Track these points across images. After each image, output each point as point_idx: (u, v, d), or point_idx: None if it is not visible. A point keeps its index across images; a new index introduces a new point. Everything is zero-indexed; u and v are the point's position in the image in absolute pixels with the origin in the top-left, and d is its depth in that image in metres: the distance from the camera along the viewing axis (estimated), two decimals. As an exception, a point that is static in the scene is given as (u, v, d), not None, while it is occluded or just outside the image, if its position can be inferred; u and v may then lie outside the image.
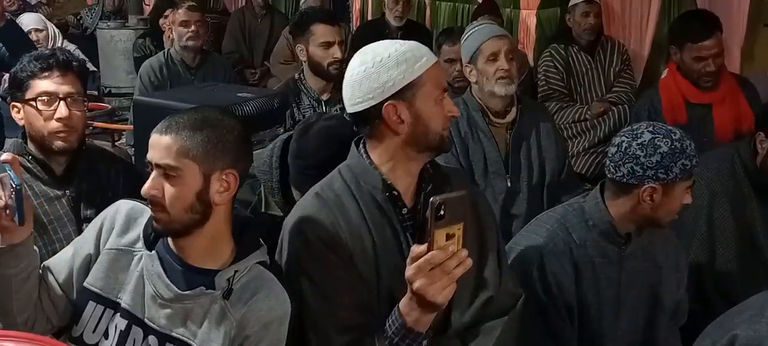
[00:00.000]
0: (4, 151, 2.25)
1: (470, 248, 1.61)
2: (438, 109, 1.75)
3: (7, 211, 1.59)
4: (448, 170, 1.93)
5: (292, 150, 2.11)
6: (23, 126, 2.20)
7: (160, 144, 1.62)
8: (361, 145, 1.82)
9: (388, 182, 1.77)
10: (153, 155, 1.63)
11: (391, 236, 1.77)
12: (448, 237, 1.55)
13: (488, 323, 1.87)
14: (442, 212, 1.51)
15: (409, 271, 1.58)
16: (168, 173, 1.61)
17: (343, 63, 3.09)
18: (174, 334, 1.66)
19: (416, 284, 1.58)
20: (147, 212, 1.71)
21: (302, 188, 1.99)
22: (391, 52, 1.74)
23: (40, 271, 1.73)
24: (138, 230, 1.71)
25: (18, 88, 2.16)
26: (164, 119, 1.67)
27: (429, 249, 1.55)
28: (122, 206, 1.75)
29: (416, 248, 1.57)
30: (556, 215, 2.22)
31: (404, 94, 1.73)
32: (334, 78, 3.18)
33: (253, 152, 1.81)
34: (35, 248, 1.73)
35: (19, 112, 2.18)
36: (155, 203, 1.62)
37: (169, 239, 1.69)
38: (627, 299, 2.18)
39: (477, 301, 1.86)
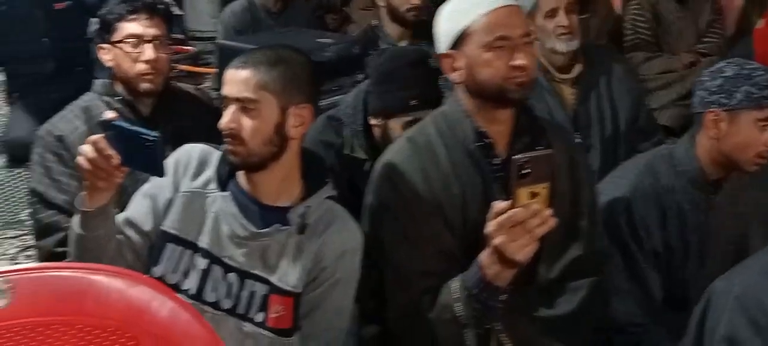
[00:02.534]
0: (94, 92, 2.34)
1: (562, 202, 1.61)
2: (491, 58, 1.73)
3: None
4: (546, 123, 1.91)
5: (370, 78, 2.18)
6: (111, 67, 2.26)
7: (238, 78, 1.67)
8: (455, 92, 1.84)
9: (481, 130, 1.77)
10: (230, 90, 1.67)
11: (480, 185, 1.78)
12: (533, 195, 1.54)
13: (574, 282, 1.85)
14: (525, 171, 1.50)
15: (490, 226, 1.59)
16: (246, 106, 1.66)
17: (421, 9, 3.06)
18: (253, 270, 1.71)
19: (496, 240, 1.58)
20: (216, 154, 1.76)
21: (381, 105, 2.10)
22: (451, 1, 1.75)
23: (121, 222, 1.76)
24: (210, 172, 1.76)
25: (106, 30, 2.22)
26: (240, 56, 1.71)
27: (512, 206, 1.54)
28: (193, 149, 1.79)
29: (498, 204, 1.57)
30: (644, 160, 2.17)
31: (459, 43, 1.74)
32: (411, 24, 3.15)
33: (334, 98, 1.86)
34: None
35: (107, 53, 2.25)
36: (233, 136, 1.66)
37: (242, 179, 1.73)
38: (713, 247, 2.12)
39: (565, 257, 1.85)
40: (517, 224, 1.56)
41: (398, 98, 2.19)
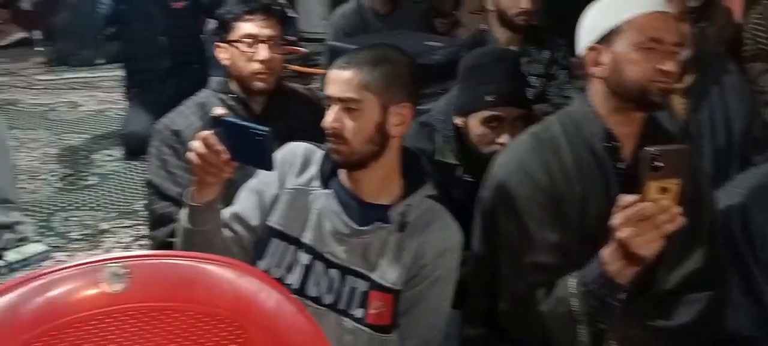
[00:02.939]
0: (209, 89, 2.43)
1: (685, 207, 1.56)
2: (639, 58, 1.69)
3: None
4: (673, 135, 1.87)
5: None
6: (226, 66, 2.34)
7: (341, 78, 1.70)
8: (585, 93, 1.82)
9: (610, 131, 1.75)
10: (333, 90, 1.71)
11: (602, 186, 1.76)
12: (663, 191, 1.51)
13: (692, 295, 1.80)
14: (657, 164, 1.47)
15: (616, 219, 1.55)
16: (349, 105, 1.69)
17: (531, 13, 3.03)
18: (354, 267, 1.74)
19: (621, 234, 1.55)
20: (320, 152, 1.80)
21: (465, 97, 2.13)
22: None
23: (228, 217, 1.80)
24: (313, 169, 1.80)
25: (223, 29, 2.31)
26: (342, 56, 1.75)
27: (640, 200, 1.51)
28: (298, 147, 1.83)
29: (626, 197, 1.54)
30: (761, 171, 2.09)
31: (607, 38, 1.72)
32: (521, 29, 3.12)
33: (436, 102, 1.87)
34: None
35: (223, 52, 2.33)
36: (336, 135, 1.70)
37: (344, 177, 1.76)
38: None
39: (684, 266, 1.80)
40: (645, 218, 1.52)
41: (475, 94, 2.19)
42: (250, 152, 1.56)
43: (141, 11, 4.20)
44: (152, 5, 4.21)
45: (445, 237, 1.77)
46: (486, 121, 2.16)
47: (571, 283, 1.70)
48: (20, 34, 6.87)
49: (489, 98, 2.15)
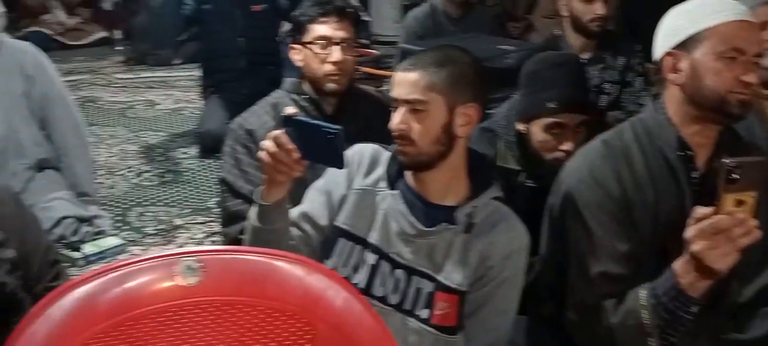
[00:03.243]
0: (283, 89, 2.47)
1: (762, 220, 1.52)
2: (721, 67, 1.65)
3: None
4: (751, 147, 1.83)
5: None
6: (300, 67, 2.37)
7: (407, 80, 1.71)
8: (659, 100, 1.78)
9: (684, 141, 1.72)
10: (399, 92, 1.72)
11: (674, 195, 1.72)
12: (739, 203, 1.47)
13: (767, 309, 1.76)
14: (734, 176, 1.44)
15: (690, 231, 1.52)
16: (416, 107, 1.70)
17: (606, 20, 2.98)
18: (419, 267, 1.75)
19: (695, 246, 1.52)
20: (387, 154, 1.81)
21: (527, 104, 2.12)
22: (692, 1, 1.72)
23: (296, 216, 1.82)
24: (380, 170, 1.81)
25: (298, 31, 2.34)
26: (408, 58, 1.76)
27: (716, 212, 1.48)
28: (365, 148, 1.84)
29: (701, 209, 1.51)
30: None
31: (687, 45, 1.68)
32: (595, 35, 3.07)
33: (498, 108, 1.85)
34: None
35: (297, 53, 2.36)
36: (403, 137, 1.71)
37: (410, 178, 1.77)
38: None
39: (760, 279, 1.75)
40: (720, 231, 1.49)
41: (537, 100, 2.16)
42: (320, 151, 1.58)
43: (223, 13, 4.30)
44: (233, 7, 4.30)
45: (511, 239, 1.76)
46: (548, 128, 2.13)
47: (642, 295, 1.67)
48: (101, 34, 7.07)
49: (551, 105, 2.12)
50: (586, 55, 3.17)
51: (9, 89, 3.25)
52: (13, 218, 2.23)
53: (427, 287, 1.74)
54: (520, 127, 2.21)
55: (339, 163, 1.60)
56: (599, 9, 3.01)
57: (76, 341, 1.11)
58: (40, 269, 2.26)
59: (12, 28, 5.91)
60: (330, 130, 1.54)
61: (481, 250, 1.73)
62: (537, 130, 2.16)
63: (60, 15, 7.01)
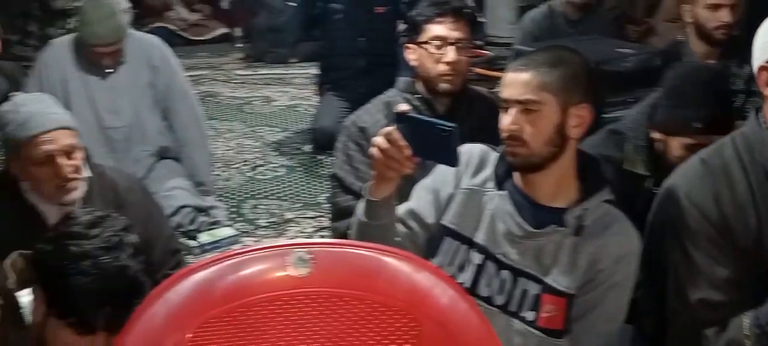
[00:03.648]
0: (396, 88, 2.49)
1: None
2: None
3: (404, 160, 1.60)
4: None
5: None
6: (414, 66, 2.39)
7: (519, 80, 1.69)
8: (760, 113, 1.69)
9: None
10: (511, 92, 1.70)
11: None
12: None
13: None
14: None
15: None
16: (528, 107, 1.68)
17: (731, 27, 2.86)
18: (526, 269, 1.73)
19: None
20: (495, 154, 1.80)
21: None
22: None
23: (403, 213, 1.83)
24: (488, 171, 1.80)
25: (413, 31, 2.36)
26: (519, 59, 1.75)
27: None
28: (473, 148, 1.83)
29: None
30: None
31: None
32: (720, 43, 2.95)
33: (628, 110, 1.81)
34: None
35: (412, 53, 2.38)
36: (515, 137, 1.69)
37: (518, 179, 1.75)
38: None
39: None
40: None
41: (682, 117, 2.07)
42: (433, 148, 1.57)
43: (347, 13, 4.37)
44: (357, 8, 4.37)
45: (622, 242, 1.72)
46: (689, 146, 2.04)
47: (746, 323, 1.59)
48: (222, 30, 7.29)
49: (696, 125, 2.04)
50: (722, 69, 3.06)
51: (136, 79, 3.43)
52: (139, 206, 2.36)
53: (534, 289, 1.72)
54: (657, 136, 2.14)
55: (453, 161, 1.59)
56: (725, 16, 2.89)
57: (192, 324, 1.16)
58: (161, 256, 2.38)
59: (136, 25, 6.19)
60: (445, 127, 1.53)
61: (591, 253, 1.70)
62: (676, 146, 2.09)
63: (182, 11, 7.27)
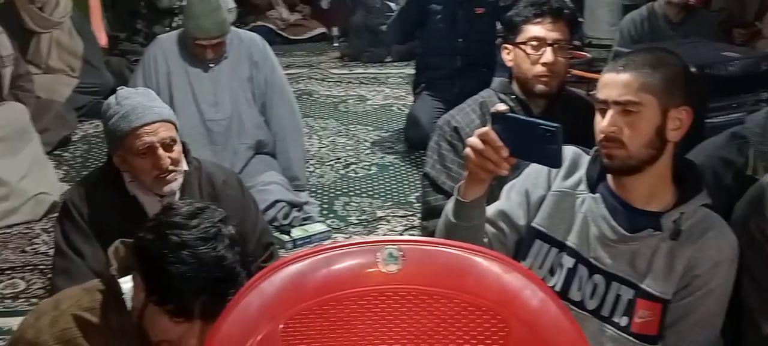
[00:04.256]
0: (491, 89, 2.48)
1: None
2: None
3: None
4: None
5: None
6: (510, 67, 2.37)
7: (618, 81, 1.66)
8: None
9: None
10: (610, 93, 1.67)
11: None
12: None
13: None
14: None
15: None
16: (628, 109, 1.65)
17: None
18: (619, 273, 1.70)
19: None
20: (586, 156, 1.77)
21: None
22: None
23: (493, 213, 1.81)
24: (581, 173, 1.77)
25: (511, 31, 2.34)
26: (617, 59, 1.71)
27: None
28: (566, 150, 1.79)
29: None
30: None
31: None
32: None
33: (733, 115, 1.75)
34: None
35: (509, 53, 2.36)
36: (612, 139, 1.66)
37: (612, 182, 1.72)
38: None
39: None
40: None
41: None
42: (534, 148, 1.52)
43: (447, 14, 4.37)
44: (457, 9, 4.36)
45: (721, 247, 1.67)
46: None
47: None
48: (320, 30, 7.40)
49: None
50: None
51: (237, 74, 3.54)
52: (235, 199, 2.42)
53: (628, 293, 1.69)
54: None
55: (555, 162, 1.54)
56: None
57: (284, 315, 1.18)
58: (255, 249, 2.43)
59: (239, 23, 6.35)
60: (549, 127, 1.49)
61: (688, 257, 1.66)
62: None
63: (282, 11, 7.42)
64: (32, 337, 1.64)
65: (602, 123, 1.68)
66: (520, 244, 1.80)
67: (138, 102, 2.26)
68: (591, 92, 5.08)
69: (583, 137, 1.88)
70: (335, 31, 7.22)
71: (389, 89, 5.82)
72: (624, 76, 1.66)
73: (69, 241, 2.34)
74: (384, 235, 3.47)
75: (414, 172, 4.17)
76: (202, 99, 3.49)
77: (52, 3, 5.00)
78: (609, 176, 1.73)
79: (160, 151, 2.22)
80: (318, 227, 3.47)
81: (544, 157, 1.53)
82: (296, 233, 3.39)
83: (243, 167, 3.49)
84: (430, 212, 2.44)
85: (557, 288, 1.73)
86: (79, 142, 4.67)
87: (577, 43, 5.79)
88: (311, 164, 4.25)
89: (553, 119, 2.22)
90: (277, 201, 3.45)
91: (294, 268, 1.23)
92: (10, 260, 3.28)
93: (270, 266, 1.25)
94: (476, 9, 4.35)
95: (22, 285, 3.09)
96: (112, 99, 2.32)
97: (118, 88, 2.38)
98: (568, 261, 1.74)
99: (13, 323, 2.65)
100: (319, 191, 3.96)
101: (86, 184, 2.44)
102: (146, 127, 2.21)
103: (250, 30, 4.42)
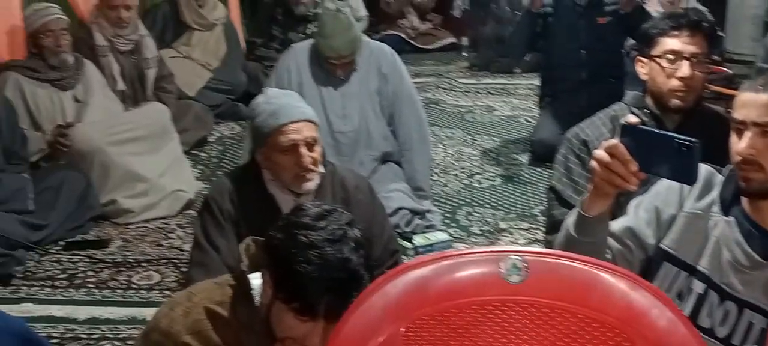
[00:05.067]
0: (624, 102, 2.42)
1: None
2: None
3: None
4: None
5: None
6: (644, 80, 2.31)
7: (758, 102, 1.60)
8: None
9: None
10: (749, 113, 1.60)
11: None
12: None
13: None
14: None
15: None
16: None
17: None
18: (753, 301, 1.63)
19: None
20: (720, 177, 1.70)
21: None
22: None
23: (619, 229, 1.75)
24: (714, 194, 1.70)
25: (646, 44, 2.28)
26: (759, 78, 1.63)
27: None
28: (701, 169, 1.73)
29: None
30: None
31: None
32: None
33: None
34: None
35: (643, 66, 2.30)
36: (750, 162, 1.59)
37: (747, 205, 1.64)
38: None
39: None
40: None
41: None
42: (667, 164, 1.47)
43: (569, 24, 4.31)
44: (579, 19, 4.29)
45: None
46: None
47: None
48: (450, 39, 7.42)
49: None
50: None
51: (366, 86, 3.59)
52: (365, 204, 2.48)
53: (761, 322, 1.62)
54: None
55: (690, 179, 1.48)
56: None
57: (406, 319, 1.19)
58: (381, 255, 2.48)
59: (371, 31, 6.45)
60: (685, 141, 1.43)
61: None
62: None
63: (414, 20, 7.48)
64: (166, 326, 1.73)
65: (740, 145, 1.61)
66: (646, 264, 1.74)
67: (286, 101, 2.38)
68: (730, 110, 4.87)
69: (718, 156, 1.81)
70: (465, 40, 7.22)
71: (517, 100, 5.77)
72: (765, 97, 1.60)
73: (207, 234, 2.45)
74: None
75: (539, 184, 4.12)
76: (331, 110, 3.56)
77: (210, 3, 5.28)
78: (744, 199, 1.66)
79: (303, 149, 2.31)
80: (440, 236, 3.48)
81: (678, 173, 1.47)
82: (418, 240, 3.41)
83: (370, 176, 3.54)
84: (555, 226, 2.39)
85: (686, 314, 1.66)
86: (215, 143, 4.87)
87: (716, 57, 5.58)
88: (435, 173, 4.27)
89: (687, 135, 2.18)
90: (399, 208, 3.48)
91: (418, 272, 1.25)
92: (146, 253, 3.45)
93: (395, 269, 1.27)
94: (598, 19, 4.25)
95: (157, 277, 3.25)
96: (260, 97, 2.44)
97: (264, 89, 2.48)
98: (699, 286, 1.68)
99: (147, 313, 2.78)
100: (443, 200, 3.97)
101: (228, 180, 2.54)
102: (292, 125, 2.31)
103: (381, 39, 4.49)
